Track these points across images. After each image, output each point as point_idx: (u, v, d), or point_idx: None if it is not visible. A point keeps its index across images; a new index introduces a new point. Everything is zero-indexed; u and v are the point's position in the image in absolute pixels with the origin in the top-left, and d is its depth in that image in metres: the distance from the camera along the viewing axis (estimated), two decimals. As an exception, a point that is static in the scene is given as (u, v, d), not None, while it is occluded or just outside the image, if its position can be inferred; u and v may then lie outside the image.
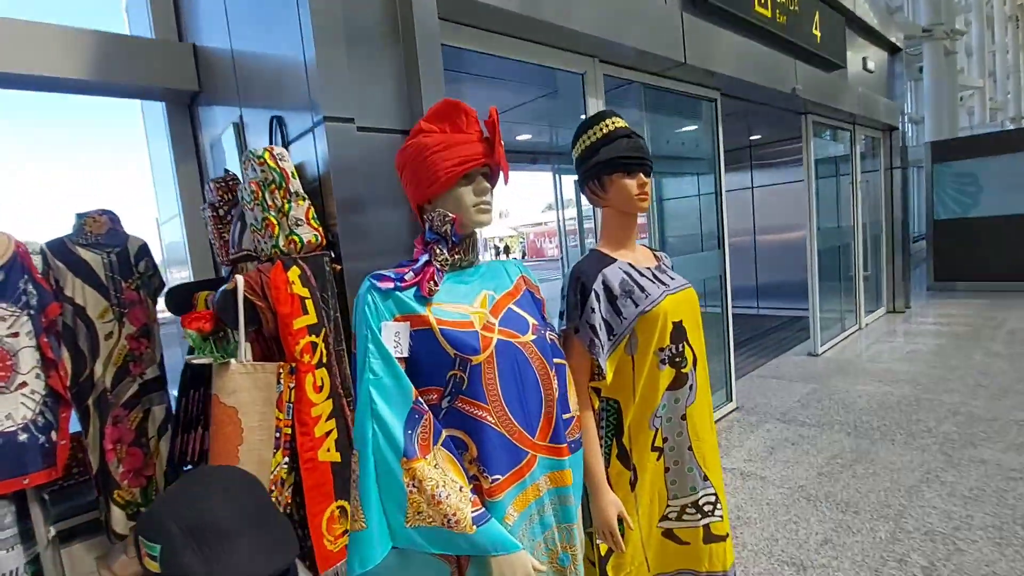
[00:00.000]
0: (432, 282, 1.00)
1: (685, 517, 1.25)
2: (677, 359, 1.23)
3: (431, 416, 0.96)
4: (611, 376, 1.20)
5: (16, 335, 1.78)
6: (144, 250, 2.19)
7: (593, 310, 1.18)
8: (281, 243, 1.49)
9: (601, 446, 1.23)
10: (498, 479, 0.99)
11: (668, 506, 1.26)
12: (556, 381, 1.09)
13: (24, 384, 1.79)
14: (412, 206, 1.10)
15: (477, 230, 1.11)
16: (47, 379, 1.86)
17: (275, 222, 1.49)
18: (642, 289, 1.21)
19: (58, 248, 1.99)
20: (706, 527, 1.26)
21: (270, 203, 1.49)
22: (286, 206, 1.49)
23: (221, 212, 1.91)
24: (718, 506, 1.26)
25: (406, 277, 1.00)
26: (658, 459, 1.24)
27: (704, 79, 3.62)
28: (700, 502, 1.26)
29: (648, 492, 1.22)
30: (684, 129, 4.93)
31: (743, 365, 5.12)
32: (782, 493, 2.70)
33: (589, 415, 1.21)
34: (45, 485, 1.85)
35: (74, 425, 2.00)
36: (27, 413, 1.79)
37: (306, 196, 1.53)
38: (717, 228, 4.25)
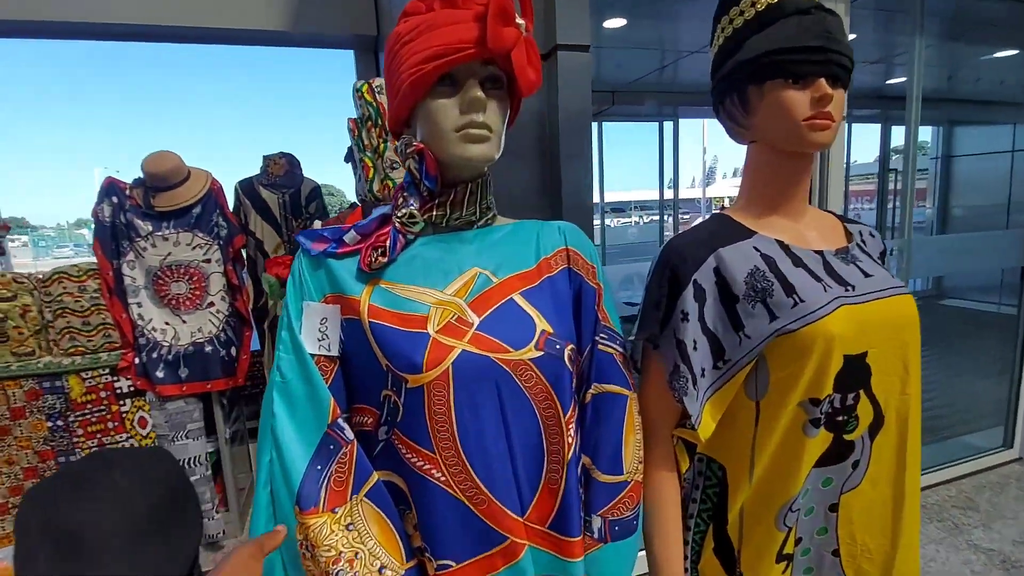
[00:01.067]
0: (379, 250, 0.65)
1: None
2: (839, 418, 0.69)
3: (355, 449, 0.64)
4: (711, 427, 0.71)
5: (208, 261, 2.05)
6: (315, 192, 2.34)
7: (686, 316, 0.71)
8: (375, 187, 1.35)
9: (688, 530, 0.80)
10: (449, 567, 0.63)
11: None
12: (574, 429, 0.67)
13: (212, 304, 2.07)
14: (391, 132, 0.74)
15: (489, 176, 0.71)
16: (232, 302, 2.14)
17: (370, 164, 1.35)
18: (790, 289, 0.68)
19: (247, 188, 2.23)
20: None
21: (366, 143, 1.35)
22: (381, 146, 1.34)
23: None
24: None
25: (346, 238, 0.67)
26: (784, 571, 0.74)
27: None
28: None
29: None
30: (998, 55, 3.47)
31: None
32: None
33: (665, 480, 0.76)
34: (225, 391, 2.15)
35: (254, 345, 2.29)
36: (212, 329, 2.07)
37: (404, 135, 1.36)
38: (1031, 198, 2.94)
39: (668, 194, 5.86)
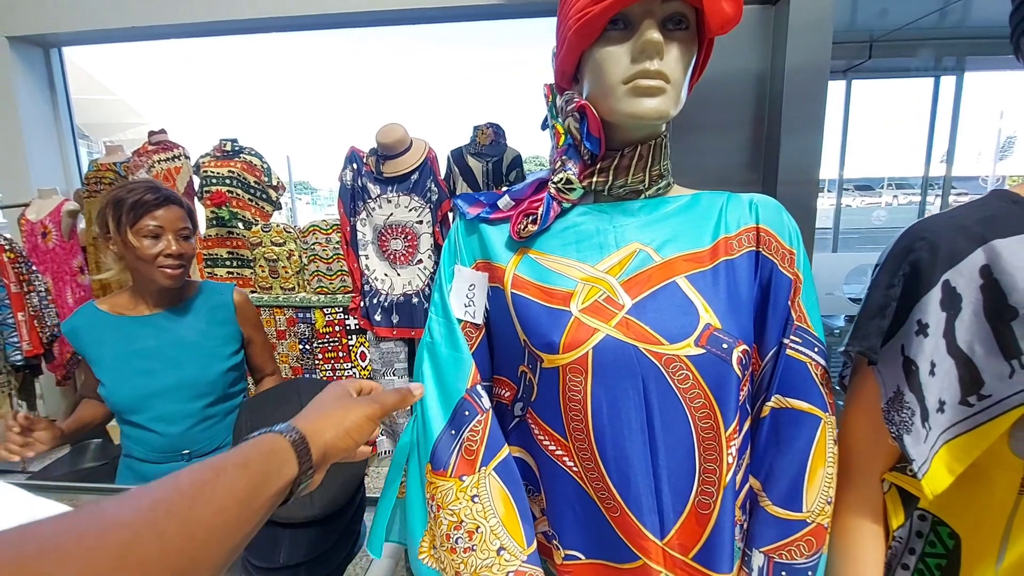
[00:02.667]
0: (530, 217, 0.61)
1: None
2: None
3: (489, 418, 0.62)
4: (945, 481, 0.52)
5: (421, 222, 2.29)
6: (516, 160, 2.42)
7: (924, 329, 0.53)
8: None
9: None
10: (577, 559, 0.59)
11: None
12: (736, 448, 0.56)
13: (421, 261, 2.32)
14: (556, 89, 0.66)
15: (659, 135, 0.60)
16: (437, 260, 2.37)
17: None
18: None
19: (457, 156, 2.41)
20: None
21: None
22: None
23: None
24: None
25: (500, 203, 0.64)
26: None
27: None
28: None
29: None
30: None
31: None
32: None
33: (865, 531, 0.59)
34: (426, 340, 2.41)
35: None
36: (420, 283, 2.32)
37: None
38: None
39: (941, 170, 4.65)
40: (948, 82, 4.29)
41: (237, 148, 2.54)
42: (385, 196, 2.26)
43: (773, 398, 0.59)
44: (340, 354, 2.39)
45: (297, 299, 2.39)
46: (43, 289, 2.40)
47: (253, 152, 2.57)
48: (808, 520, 0.57)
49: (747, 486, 0.60)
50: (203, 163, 2.53)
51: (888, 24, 3.63)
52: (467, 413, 0.62)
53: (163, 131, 2.60)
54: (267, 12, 2.54)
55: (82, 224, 2.70)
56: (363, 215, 2.30)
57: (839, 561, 0.60)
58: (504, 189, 0.67)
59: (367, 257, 2.33)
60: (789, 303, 0.59)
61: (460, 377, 0.63)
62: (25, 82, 2.80)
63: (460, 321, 0.65)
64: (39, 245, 2.61)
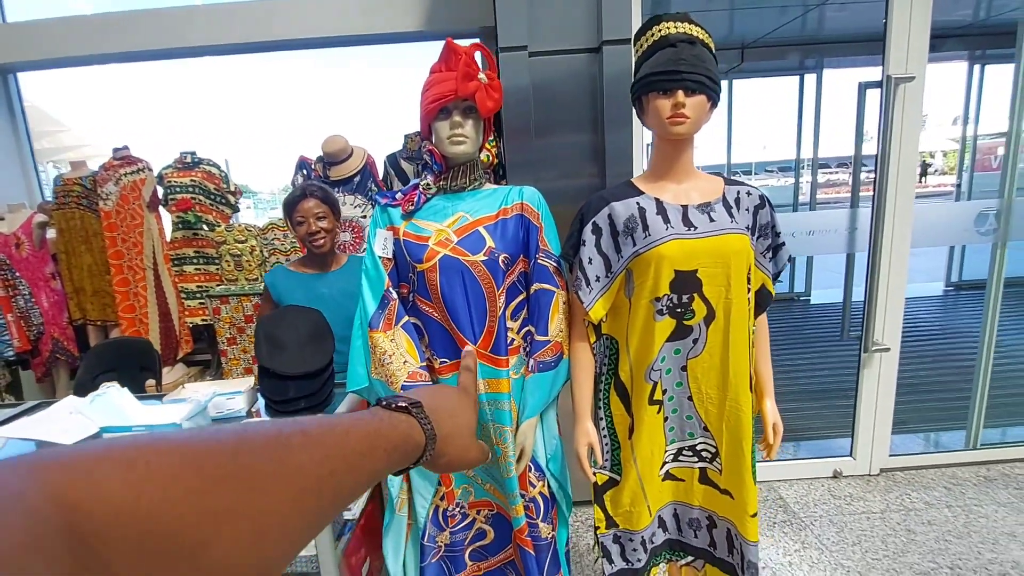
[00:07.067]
0: (411, 203, 1.19)
1: (681, 458, 1.19)
2: (678, 310, 1.05)
3: (397, 303, 1.20)
4: (601, 313, 1.14)
5: (365, 217, 2.75)
6: (442, 163, 2.93)
7: (583, 243, 1.13)
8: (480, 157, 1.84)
9: (600, 380, 1.19)
10: (445, 362, 1.21)
11: (667, 450, 1.17)
12: (503, 300, 1.17)
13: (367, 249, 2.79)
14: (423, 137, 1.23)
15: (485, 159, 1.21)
16: (381, 248, 2.84)
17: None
18: (646, 228, 1.06)
19: (392, 161, 2.88)
20: (702, 470, 1.19)
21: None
22: (470, 130, 1.81)
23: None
24: (718, 458, 1.16)
25: (397, 196, 1.22)
26: (658, 412, 1.13)
27: None
28: (697, 447, 1.17)
29: (647, 444, 1.13)
30: None
31: None
32: None
33: (579, 347, 1.19)
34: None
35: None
36: (367, 267, 2.79)
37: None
38: None
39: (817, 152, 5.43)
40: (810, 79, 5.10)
41: (196, 160, 2.91)
42: (333, 196, 2.71)
43: (534, 285, 1.18)
44: (302, 331, 2.83)
45: (260, 287, 2.80)
46: (27, 293, 2.70)
47: (211, 163, 2.94)
48: (551, 340, 1.18)
49: (528, 327, 1.20)
50: (166, 174, 2.88)
51: (759, 31, 4.34)
52: (386, 300, 1.18)
53: (126, 147, 2.93)
54: (204, 41, 2.91)
55: (51, 234, 2.99)
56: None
57: (573, 362, 1.20)
58: (398, 189, 1.21)
59: (320, 248, 2.77)
60: (538, 239, 1.18)
61: (381, 284, 1.18)
62: (-16, 107, 3.04)
63: (380, 257, 1.20)
64: (13, 255, 2.88)
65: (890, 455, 2.38)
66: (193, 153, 2.93)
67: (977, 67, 4.90)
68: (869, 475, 2.38)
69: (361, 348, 1.19)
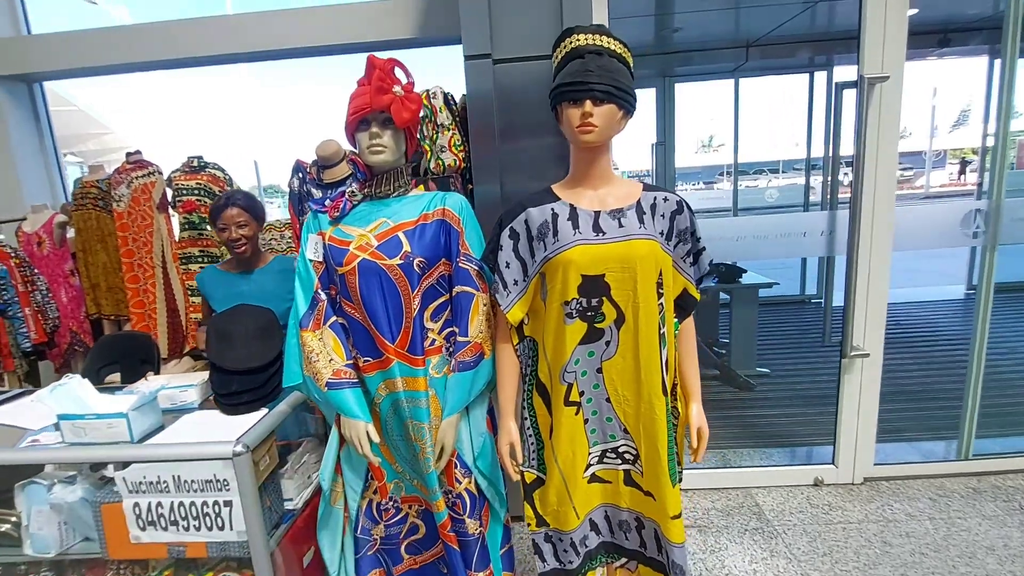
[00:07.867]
0: (337, 209, 1.24)
1: (606, 460, 1.21)
2: (589, 313, 1.07)
3: (325, 303, 1.26)
4: (519, 316, 1.17)
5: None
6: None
7: (501, 248, 1.16)
8: (432, 165, 1.89)
9: (524, 380, 1.22)
10: (368, 360, 1.26)
11: (590, 452, 1.18)
12: (419, 301, 1.22)
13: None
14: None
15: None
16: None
17: (428, 148, 1.89)
18: (556, 234, 1.07)
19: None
20: (626, 472, 1.21)
21: (426, 133, 1.89)
22: (434, 135, 1.86)
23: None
24: (639, 460, 1.18)
25: (326, 203, 1.27)
26: (576, 413, 1.14)
27: None
28: (620, 449, 1.19)
29: (567, 444, 1.14)
30: None
31: None
32: None
33: (502, 348, 1.23)
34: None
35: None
36: (358, 267, 2.88)
37: (450, 127, 1.86)
38: None
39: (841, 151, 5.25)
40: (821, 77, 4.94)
41: (203, 163, 3.05)
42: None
43: (456, 287, 1.22)
44: (296, 328, 2.94)
45: (259, 286, 2.93)
46: (44, 288, 2.89)
47: (216, 166, 3.08)
48: (471, 340, 1.21)
49: (450, 328, 1.24)
50: (174, 177, 3.03)
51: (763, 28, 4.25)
52: (315, 301, 1.24)
53: (139, 152, 3.10)
54: (222, 49, 3.05)
55: (71, 233, 3.19)
56: (309, 215, 2.84)
57: (497, 363, 1.24)
58: (326, 195, 1.26)
59: (314, 248, 2.87)
60: (459, 242, 1.22)
61: (311, 286, 1.25)
62: (13, 113, 3.26)
63: (312, 261, 1.26)
64: (35, 253, 3.09)
65: (875, 464, 2.32)
66: (200, 157, 3.07)
67: (998, 61, 4.65)
68: (852, 484, 2.33)
69: (296, 346, 1.25)
